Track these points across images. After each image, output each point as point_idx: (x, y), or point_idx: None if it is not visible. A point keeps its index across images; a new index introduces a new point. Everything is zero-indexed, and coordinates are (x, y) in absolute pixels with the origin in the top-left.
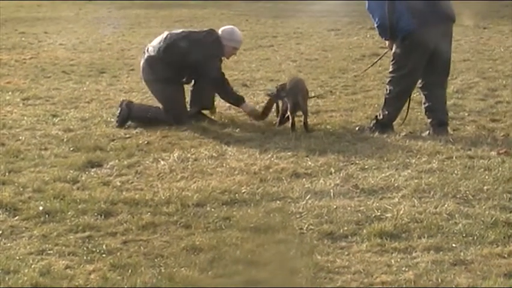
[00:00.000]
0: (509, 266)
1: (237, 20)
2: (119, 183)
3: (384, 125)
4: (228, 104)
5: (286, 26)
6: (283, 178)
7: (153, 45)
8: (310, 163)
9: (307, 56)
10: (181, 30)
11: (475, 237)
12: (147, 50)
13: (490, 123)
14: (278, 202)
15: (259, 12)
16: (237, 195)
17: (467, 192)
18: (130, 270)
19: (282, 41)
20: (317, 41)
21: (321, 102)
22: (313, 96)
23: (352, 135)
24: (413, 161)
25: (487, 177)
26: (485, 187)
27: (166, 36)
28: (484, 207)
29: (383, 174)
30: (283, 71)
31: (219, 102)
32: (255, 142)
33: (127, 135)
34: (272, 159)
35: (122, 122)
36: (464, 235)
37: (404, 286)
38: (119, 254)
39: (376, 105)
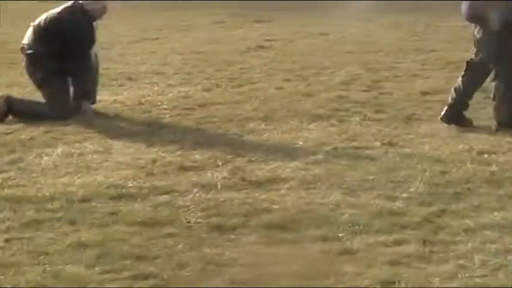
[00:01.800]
0: (394, 254)
1: (120, 13)
2: (0, 180)
3: None
4: (113, 98)
5: (172, 19)
6: (170, 172)
7: (27, 42)
8: (197, 156)
9: (194, 49)
10: (44, 16)
11: (361, 227)
12: (24, 48)
13: (374, 114)
14: (165, 196)
15: (142, 4)
16: (123, 189)
17: (353, 182)
18: (13, 269)
19: (167, 34)
20: (203, 34)
21: (207, 94)
22: None
23: (238, 128)
24: (300, 152)
25: (371, 167)
26: (370, 177)
27: (34, 28)
28: (369, 197)
29: (270, 166)
30: (169, 64)
31: (103, 97)
32: (141, 136)
33: (8, 131)
34: (159, 152)
35: (0, 118)
36: (350, 225)
37: (291, 277)
38: (0, 252)
39: (262, 98)
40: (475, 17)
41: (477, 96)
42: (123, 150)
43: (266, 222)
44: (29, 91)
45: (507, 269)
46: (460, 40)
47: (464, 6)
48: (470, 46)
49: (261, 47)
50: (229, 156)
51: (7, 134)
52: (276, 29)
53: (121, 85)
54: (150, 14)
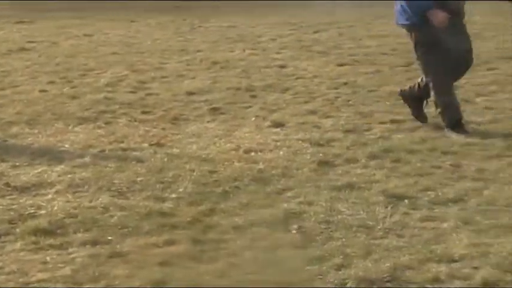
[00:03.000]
0: (165, 255)
1: None
2: None
3: None
4: None
5: None
6: None
7: None
8: None
9: None
10: None
11: (131, 229)
12: None
13: (141, 115)
14: None
15: None
16: None
17: (122, 184)
18: None
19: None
20: None
21: None
22: None
23: (1, 132)
24: (66, 155)
25: (140, 168)
26: (138, 178)
27: None
28: (138, 198)
29: (35, 171)
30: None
31: None
32: None
33: None
34: None
35: None
36: (120, 227)
37: (61, 282)
38: None
39: (25, 101)
40: None
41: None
42: None
43: (33, 228)
44: None
45: (277, 265)
46: (225, 40)
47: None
48: (235, 46)
49: (24, 49)
50: None
51: None
52: (38, 30)
53: None
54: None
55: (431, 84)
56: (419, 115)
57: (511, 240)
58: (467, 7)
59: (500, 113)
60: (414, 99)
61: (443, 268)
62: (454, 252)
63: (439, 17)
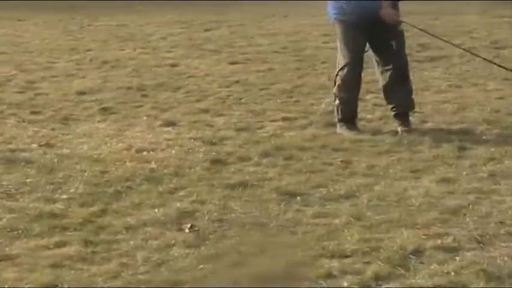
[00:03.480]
0: (56, 256)
1: None
2: None
3: None
4: None
5: None
6: None
7: None
8: None
9: None
10: None
11: (21, 231)
12: None
13: (30, 116)
14: None
15: None
16: None
17: (10, 186)
18: None
19: None
20: None
21: None
22: None
23: None
24: None
25: (29, 169)
26: (28, 180)
27: None
28: (28, 200)
29: None
30: None
31: None
32: None
33: None
34: None
35: None
36: (9, 230)
37: None
38: None
39: None
40: None
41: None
42: None
43: None
44: None
45: (169, 264)
46: (114, 39)
47: None
48: (125, 45)
49: None
50: None
51: None
52: None
53: None
54: None
55: (337, 77)
56: None
57: (401, 235)
58: None
59: (389, 110)
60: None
61: (335, 264)
62: (346, 248)
63: (389, 13)
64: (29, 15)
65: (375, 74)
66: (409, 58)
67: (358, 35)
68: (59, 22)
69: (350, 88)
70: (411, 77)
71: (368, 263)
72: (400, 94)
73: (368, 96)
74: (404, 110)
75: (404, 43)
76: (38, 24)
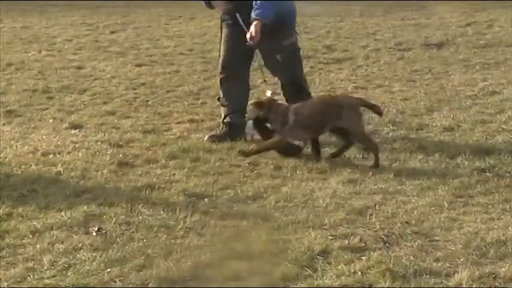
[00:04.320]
0: None
1: None
2: None
3: None
4: None
5: None
6: None
7: None
8: None
9: None
10: None
11: None
12: None
13: None
14: None
15: None
16: None
17: None
18: None
19: None
20: None
21: None
22: None
23: None
24: None
25: None
26: None
27: None
28: None
29: None
30: None
31: None
32: None
33: None
34: None
35: None
36: None
37: None
38: None
39: None
40: None
41: None
42: None
43: None
44: None
45: (76, 268)
46: (19, 41)
47: None
48: (30, 47)
49: None
50: None
51: None
52: None
53: None
54: None
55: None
56: None
57: (308, 235)
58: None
59: None
60: None
61: (243, 265)
62: (254, 249)
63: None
64: None
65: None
66: (315, 60)
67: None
68: None
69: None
70: (308, 88)
71: (276, 264)
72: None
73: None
74: None
75: (294, 57)
76: None
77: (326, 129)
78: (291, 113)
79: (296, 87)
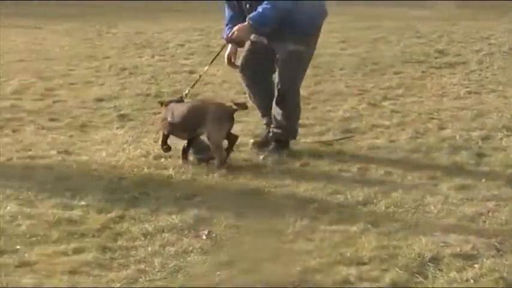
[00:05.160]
0: (74, 263)
1: None
2: None
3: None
4: None
5: None
6: None
7: None
8: None
9: None
10: None
11: (39, 237)
12: None
13: (49, 123)
14: None
15: None
16: None
17: (29, 192)
18: None
19: None
20: None
21: None
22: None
23: None
24: None
25: (48, 176)
26: (47, 186)
27: None
28: (46, 206)
29: None
30: None
31: None
32: None
33: None
34: None
35: None
36: (28, 236)
37: None
38: None
39: None
40: None
41: None
42: None
43: None
44: None
45: (186, 271)
46: (133, 46)
47: None
48: (143, 52)
49: None
50: None
51: None
52: None
53: None
54: None
55: None
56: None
57: (418, 241)
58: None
59: (399, 117)
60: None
61: (352, 271)
62: (364, 255)
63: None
64: (48, 23)
65: (391, 80)
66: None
67: None
68: (78, 30)
69: None
70: (297, 105)
71: (385, 270)
72: (277, 116)
73: (385, 103)
74: (277, 135)
75: (296, 66)
76: (56, 32)
77: (196, 132)
78: (169, 111)
79: (283, 93)
